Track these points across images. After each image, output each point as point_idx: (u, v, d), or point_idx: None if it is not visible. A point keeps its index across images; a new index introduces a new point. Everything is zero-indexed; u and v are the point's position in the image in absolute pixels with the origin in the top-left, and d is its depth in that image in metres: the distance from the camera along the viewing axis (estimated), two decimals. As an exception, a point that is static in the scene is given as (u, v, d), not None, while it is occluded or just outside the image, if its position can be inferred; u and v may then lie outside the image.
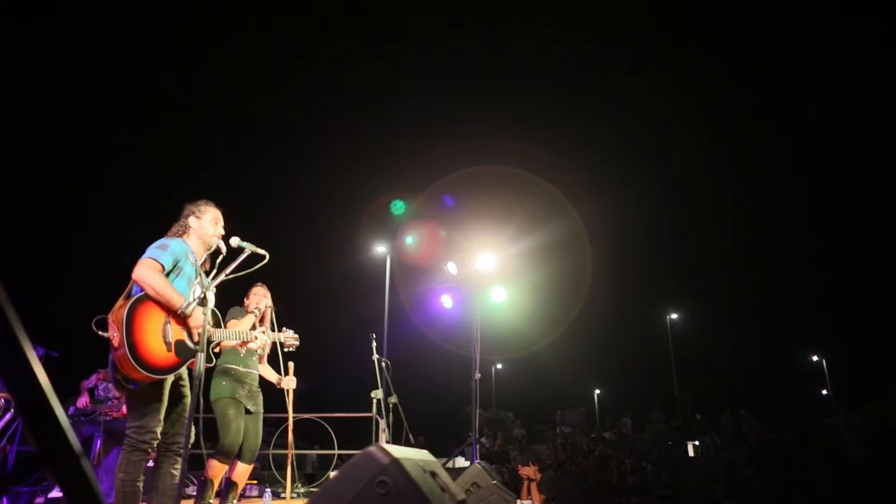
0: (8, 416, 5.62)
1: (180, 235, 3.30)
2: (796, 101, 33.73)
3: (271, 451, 8.21)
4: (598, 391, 36.02)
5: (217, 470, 4.18)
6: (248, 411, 4.32)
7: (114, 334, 2.89)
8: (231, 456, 4.20)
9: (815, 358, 31.26)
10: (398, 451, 1.89)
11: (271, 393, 4.72)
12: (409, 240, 9.56)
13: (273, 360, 4.60)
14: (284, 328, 4.27)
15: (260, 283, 4.56)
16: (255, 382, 4.48)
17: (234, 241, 3.31)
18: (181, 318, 3.06)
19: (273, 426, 6.96)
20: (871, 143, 31.57)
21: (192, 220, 3.35)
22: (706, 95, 35.63)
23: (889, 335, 26.63)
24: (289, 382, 4.70)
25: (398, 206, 10.56)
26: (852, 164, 33.35)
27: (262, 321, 4.46)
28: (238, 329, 4.15)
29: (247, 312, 4.40)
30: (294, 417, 4.93)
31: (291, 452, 4.96)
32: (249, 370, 4.41)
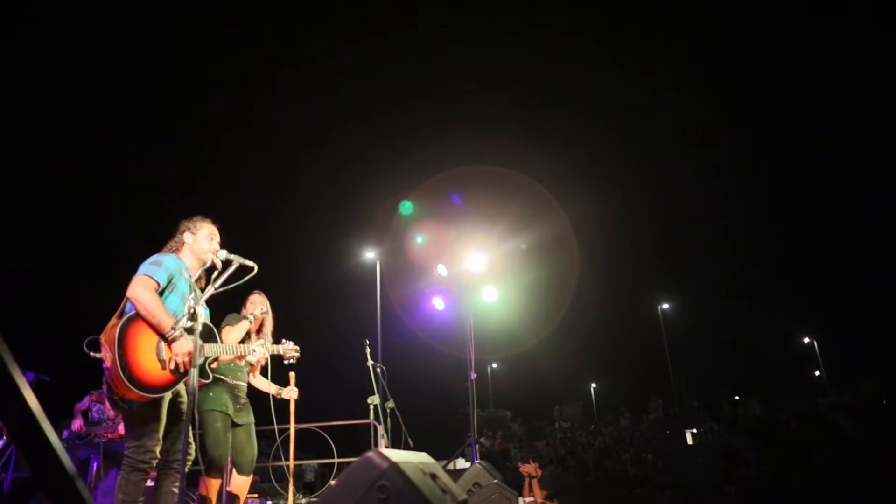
0: (1, 443, 5.55)
1: (175, 251, 3.29)
2: (785, 95, 34.01)
3: (270, 464, 8.17)
4: (593, 385, 36.18)
5: (212, 485, 4.10)
6: (236, 424, 4.25)
7: (106, 354, 2.86)
8: (221, 470, 4.13)
9: (806, 340, 31.54)
10: (397, 456, 1.89)
11: (266, 404, 4.68)
12: (420, 238, 9.39)
13: (272, 372, 4.51)
14: (284, 339, 4.19)
15: (257, 291, 4.50)
16: (245, 394, 4.44)
17: (222, 254, 3.29)
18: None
19: (271, 438, 6.92)
20: (861, 133, 31.91)
21: (187, 236, 3.34)
22: (696, 91, 35.84)
23: (877, 315, 26.95)
24: (290, 393, 4.66)
25: (406, 207, 10.34)
26: (840, 152, 33.66)
27: (259, 330, 4.41)
28: (233, 336, 4.11)
29: (241, 318, 4.32)
30: (292, 428, 4.91)
31: (293, 463, 4.93)
32: (239, 382, 4.37)
